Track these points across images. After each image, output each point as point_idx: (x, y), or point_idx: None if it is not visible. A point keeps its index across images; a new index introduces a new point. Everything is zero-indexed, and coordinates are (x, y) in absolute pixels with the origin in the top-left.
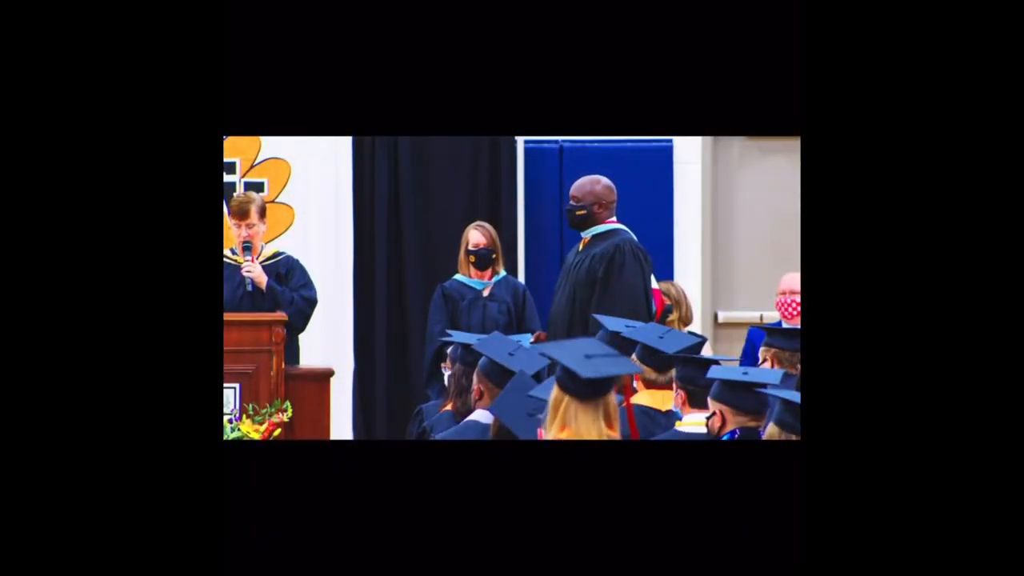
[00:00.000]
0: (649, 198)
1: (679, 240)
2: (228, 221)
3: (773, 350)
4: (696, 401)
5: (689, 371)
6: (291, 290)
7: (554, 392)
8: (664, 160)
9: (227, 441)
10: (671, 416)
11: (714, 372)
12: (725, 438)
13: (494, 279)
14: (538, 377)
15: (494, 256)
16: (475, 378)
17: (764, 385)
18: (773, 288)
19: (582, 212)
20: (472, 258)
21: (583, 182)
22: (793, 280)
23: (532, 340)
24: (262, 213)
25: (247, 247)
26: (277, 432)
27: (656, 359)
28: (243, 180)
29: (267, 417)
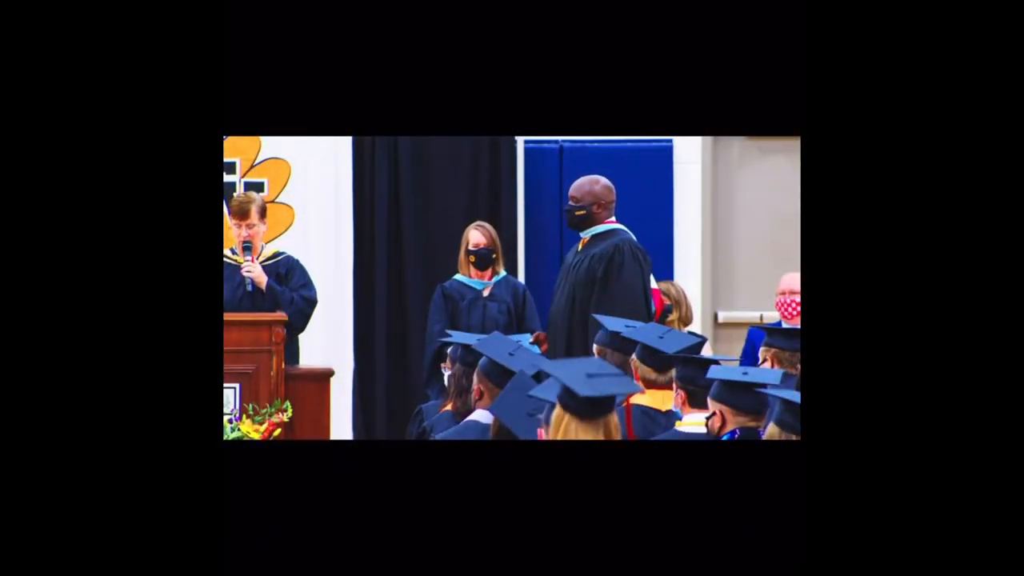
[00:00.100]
0: (649, 198)
1: (679, 240)
2: (228, 221)
3: (773, 350)
4: (696, 401)
5: (689, 371)
6: (291, 290)
7: (556, 410)
8: (664, 160)
9: (227, 441)
10: (671, 416)
11: (714, 372)
12: (725, 438)
13: (494, 279)
14: (538, 377)
15: (494, 256)
16: (475, 378)
17: (764, 385)
18: (773, 288)
19: (581, 212)
20: (472, 258)
21: (582, 182)
22: (793, 280)
23: (531, 340)
24: (262, 213)
25: (247, 247)
26: (277, 432)
27: (656, 359)
28: (243, 180)
29: (267, 417)
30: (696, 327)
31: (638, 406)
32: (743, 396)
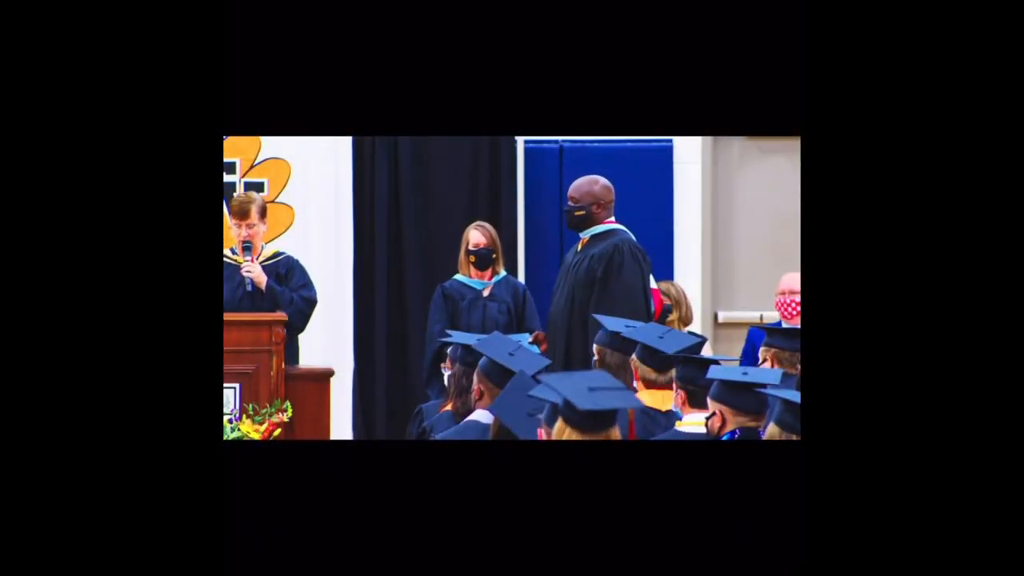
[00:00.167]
0: (649, 198)
1: (679, 240)
2: (228, 221)
3: (773, 350)
4: (696, 401)
5: (689, 371)
6: (291, 290)
7: (558, 423)
8: (664, 160)
9: (227, 441)
10: (671, 416)
11: (714, 372)
12: (725, 438)
13: (494, 279)
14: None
15: (494, 256)
16: (475, 378)
17: (764, 385)
18: (773, 288)
19: (580, 213)
20: (472, 258)
21: (581, 182)
22: (793, 280)
23: (530, 340)
24: (262, 213)
25: (247, 247)
26: (277, 432)
27: (656, 359)
28: (243, 180)
29: (267, 417)
30: (696, 327)
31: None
32: (743, 396)
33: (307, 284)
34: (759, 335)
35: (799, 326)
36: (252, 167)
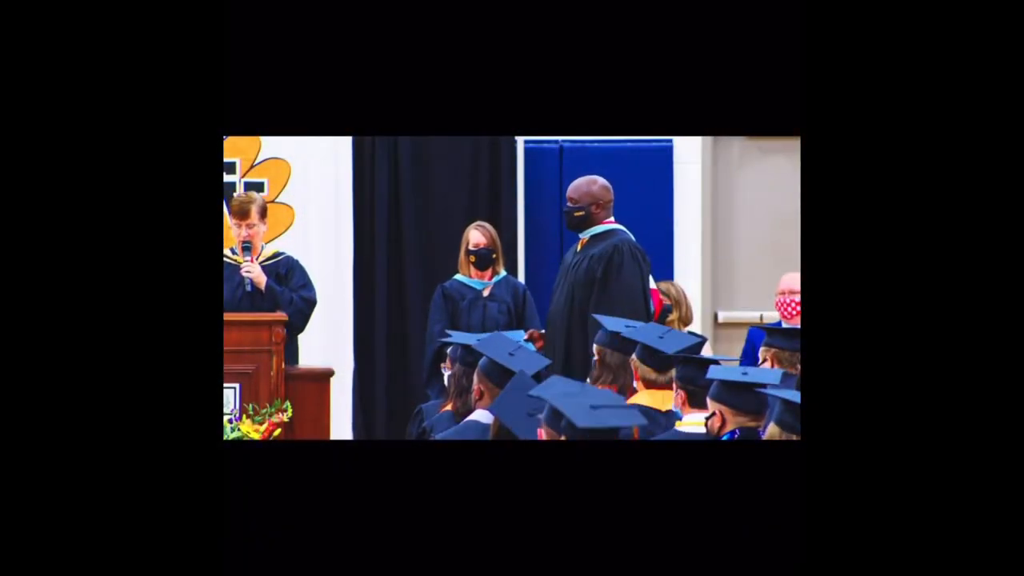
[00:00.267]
0: (649, 198)
1: (679, 240)
2: (228, 221)
3: (773, 350)
4: (696, 401)
5: (689, 371)
6: (291, 290)
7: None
8: (664, 160)
9: (227, 441)
10: (671, 416)
11: (714, 372)
12: (725, 438)
13: (494, 279)
14: (538, 377)
15: (494, 256)
16: (475, 378)
17: (764, 385)
18: (773, 288)
19: (580, 213)
20: (472, 258)
21: (580, 183)
22: (793, 280)
23: (525, 338)
24: (262, 213)
25: (247, 247)
26: (277, 432)
27: (656, 359)
28: (243, 180)
29: (267, 417)
30: (696, 327)
31: (638, 406)
32: (743, 396)
33: (307, 284)
34: (759, 335)
35: (799, 326)
36: (252, 167)
